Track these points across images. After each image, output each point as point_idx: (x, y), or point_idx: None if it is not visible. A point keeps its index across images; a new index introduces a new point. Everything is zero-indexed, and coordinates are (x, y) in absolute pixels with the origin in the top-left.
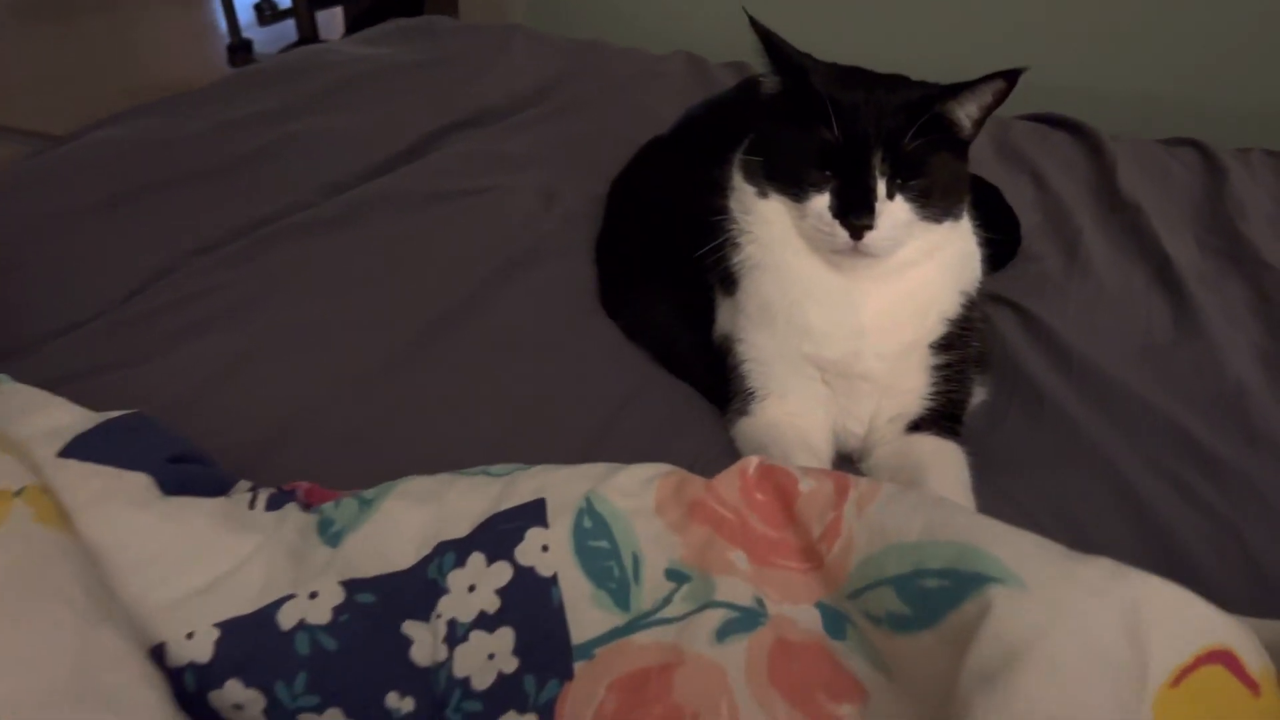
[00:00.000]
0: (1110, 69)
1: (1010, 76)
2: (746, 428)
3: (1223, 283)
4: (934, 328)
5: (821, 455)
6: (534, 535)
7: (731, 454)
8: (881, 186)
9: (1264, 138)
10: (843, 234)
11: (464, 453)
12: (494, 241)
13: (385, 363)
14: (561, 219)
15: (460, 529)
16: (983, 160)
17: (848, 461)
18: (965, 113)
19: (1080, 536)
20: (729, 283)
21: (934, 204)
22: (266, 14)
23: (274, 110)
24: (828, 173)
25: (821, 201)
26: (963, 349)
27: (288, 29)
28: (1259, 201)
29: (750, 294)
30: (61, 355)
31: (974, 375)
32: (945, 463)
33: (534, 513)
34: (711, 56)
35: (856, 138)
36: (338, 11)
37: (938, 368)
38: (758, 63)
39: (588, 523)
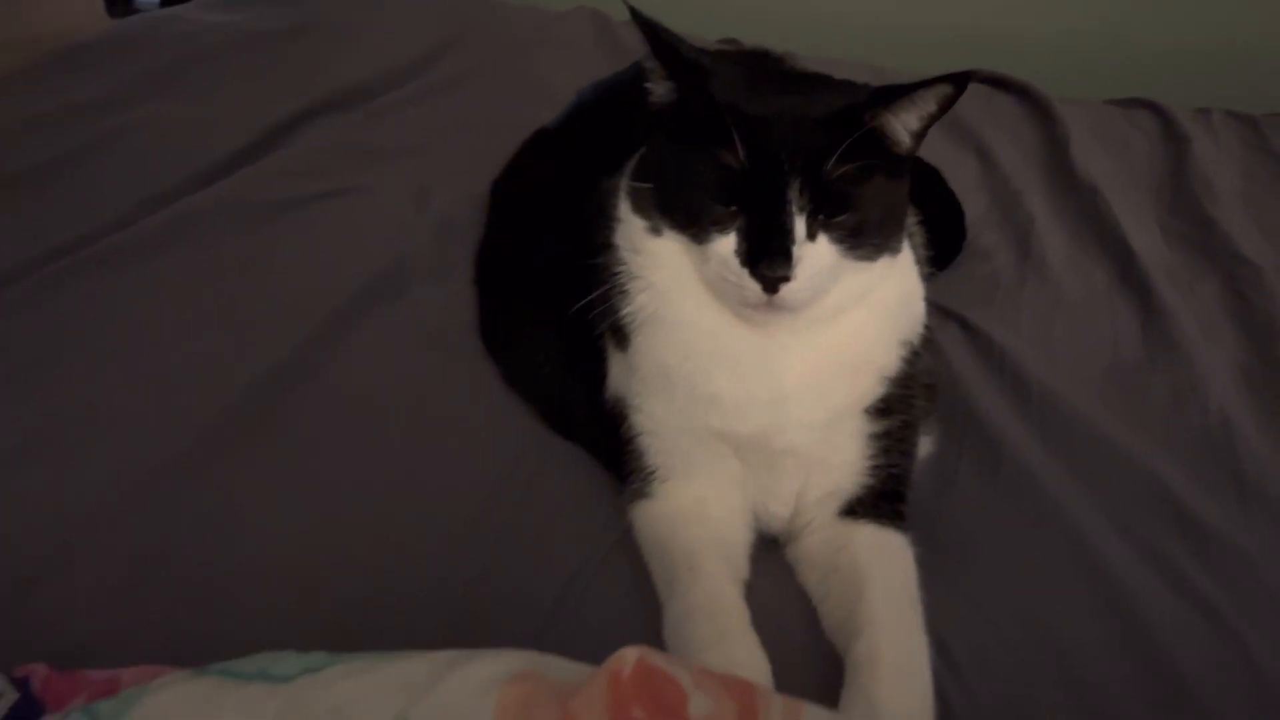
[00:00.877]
0: (1043, 12)
1: (958, 80)
2: (646, 515)
3: (1194, 280)
4: (870, 389)
5: (737, 552)
6: None
7: (630, 548)
8: (800, 225)
9: (1209, 84)
10: (753, 286)
11: (279, 590)
12: (349, 263)
13: (189, 452)
14: (435, 227)
15: None
16: None
17: (773, 544)
18: (903, 124)
19: (1051, 649)
20: (620, 336)
21: (866, 241)
22: None
23: (96, 99)
24: (733, 208)
25: (726, 245)
26: (905, 412)
27: None
28: (1226, 175)
29: (644, 354)
30: None
31: (919, 439)
32: (887, 569)
33: None
34: (616, 14)
35: (768, 163)
36: None
37: (875, 436)
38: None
39: None
